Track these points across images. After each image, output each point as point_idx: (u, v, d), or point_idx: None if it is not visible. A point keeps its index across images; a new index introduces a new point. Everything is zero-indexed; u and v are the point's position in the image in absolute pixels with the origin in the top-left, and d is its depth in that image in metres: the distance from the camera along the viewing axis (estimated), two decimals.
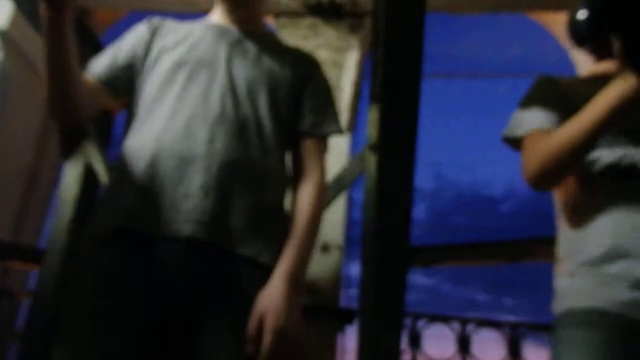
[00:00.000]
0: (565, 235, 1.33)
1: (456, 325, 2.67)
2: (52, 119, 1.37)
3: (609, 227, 1.22)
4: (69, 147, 1.48)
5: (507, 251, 1.79)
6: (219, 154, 1.23)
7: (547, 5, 2.37)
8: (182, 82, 1.31)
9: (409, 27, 0.90)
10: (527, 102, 1.38)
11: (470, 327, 2.67)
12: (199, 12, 2.71)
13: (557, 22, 3.16)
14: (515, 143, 1.39)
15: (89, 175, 2.49)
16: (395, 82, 0.99)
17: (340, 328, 2.34)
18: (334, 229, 2.34)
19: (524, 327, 2.70)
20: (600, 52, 1.39)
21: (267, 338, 1.10)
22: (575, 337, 1.18)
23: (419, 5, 0.87)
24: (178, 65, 1.34)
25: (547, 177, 1.26)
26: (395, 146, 1.06)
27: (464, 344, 2.67)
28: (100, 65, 1.39)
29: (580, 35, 1.39)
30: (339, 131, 1.45)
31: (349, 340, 2.51)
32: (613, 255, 1.19)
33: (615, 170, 1.25)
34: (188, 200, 1.18)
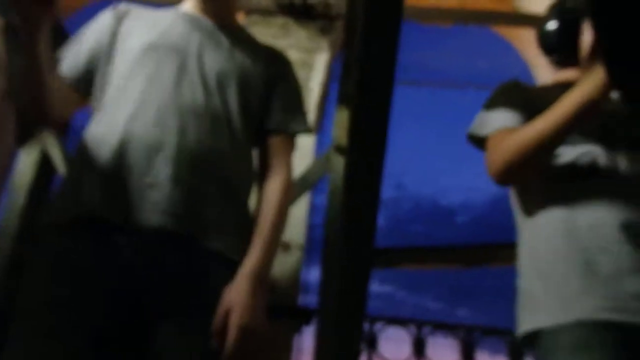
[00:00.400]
0: (527, 242, 1.35)
1: (412, 328, 2.71)
2: (21, 120, 1.32)
3: (564, 227, 1.24)
4: (26, 135, 1.43)
5: (469, 255, 1.83)
6: (190, 145, 1.21)
7: (513, 21, 2.45)
8: (152, 67, 1.28)
9: (387, 30, 0.92)
10: (493, 102, 1.40)
11: (425, 330, 2.72)
12: (168, 3, 2.68)
13: (520, 38, 3.27)
14: (480, 142, 1.40)
15: (44, 162, 2.43)
16: (369, 84, 1.00)
17: (298, 328, 2.34)
18: (296, 229, 2.35)
19: (479, 332, 2.76)
20: (566, 61, 1.44)
21: (232, 334, 1.09)
22: None
23: (397, 8, 0.89)
24: (148, 49, 1.31)
25: (512, 172, 1.26)
26: (366, 148, 1.07)
27: (419, 347, 2.71)
28: (68, 67, 1.36)
29: (550, 44, 1.44)
30: (308, 130, 1.45)
31: (306, 340, 2.51)
32: (589, 267, 1.18)
33: (574, 168, 1.28)
34: (156, 190, 1.15)
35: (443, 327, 2.74)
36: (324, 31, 2.62)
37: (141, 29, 1.37)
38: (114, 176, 1.17)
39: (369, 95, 1.03)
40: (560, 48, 1.43)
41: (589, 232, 1.20)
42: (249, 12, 2.58)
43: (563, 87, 1.32)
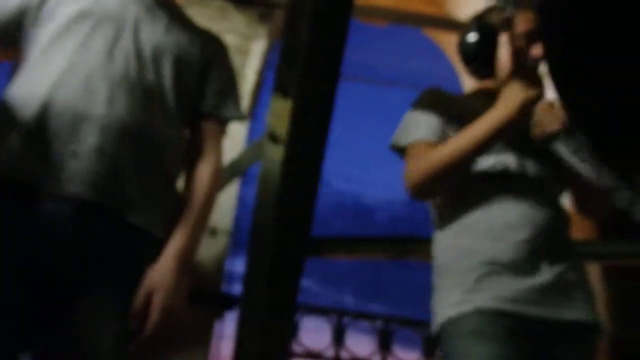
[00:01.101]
0: (440, 240, 1.44)
1: (333, 318, 2.77)
2: None
3: (474, 226, 1.33)
4: None
5: (398, 246, 1.90)
6: (118, 117, 1.17)
7: (445, 25, 2.57)
8: (84, 33, 1.23)
9: (336, 23, 0.94)
10: (415, 111, 1.47)
11: (346, 320, 2.79)
12: None
13: (450, 42, 3.41)
14: (401, 151, 1.48)
15: None
16: (315, 76, 1.02)
17: (220, 314, 2.32)
18: (224, 214, 2.33)
19: (396, 322, 2.87)
20: (483, 71, 1.53)
21: (154, 315, 1.08)
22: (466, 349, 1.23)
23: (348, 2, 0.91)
24: (81, 15, 1.25)
25: (426, 190, 1.35)
26: (308, 139, 1.09)
27: (339, 336, 2.77)
28: None
29: (468, 55, 1.52)
30: (241, 117, 1.44)
31: (227, 327, 2.50)
32: (490, 260, 1.26)
33: (488, 174, 1.38)
34: (79, 159, 1.11)
35: (362, 317, 2.82)
36: (262, 18, 2.62)
37: None
38: (36, 140, 1.11)
39: (315, 87, 1.05)
40: (477, 59, 1.51)
41: (498, 231, 1.30)
42: None
43: (482, 97, 1.42)
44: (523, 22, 1.44)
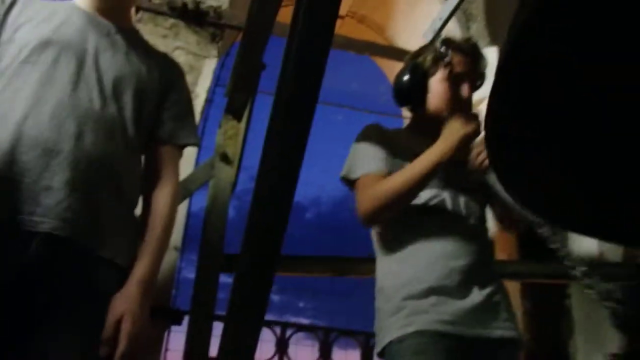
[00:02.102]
0: (383, 265, 1.58)
1: (277, 329, 2.87)
2: None
3: (415, 255, 1.46)
4: None
5: (339, 265, 2.03)
6: (86, 151, 1.19)
7: (390, 54, 2.71)
8: (47, 64, 1.24)
9: (318, 49, 1.03)
10: (361, 146, 1.60)
11: (289, 331, 2.90)
12: None
13: (392, 65, 3.58)
14: (351, 183, 1.61)
15: None
16: (294, 106, 1.11)
17: (168, 327, 2.38)
18: (174, 231, 2.38)
19: (336, 332, 3.00)
20: (418, 109, 1.69)
21: (123, 342, 1.12)
22: None
23: (328, 34, 1.00)
24: (43, 44, 1.26)
25: (377, 217, 1.47)
26: (280, 168, 1.17)
27: (282, 347, 2.88)
28: None
29: (403, 97, 1.68)
30: (196, 143, 1.46)
31: (174, 341, 2.55)
32: (429, 287, 1.39)
33: (426, 207, 1.53)
34: (51, 194, 1.14)
35: (304, 328, 2.94)
36: (214, 38, 2.68)
37: (35, 20, 1.30)
38: (6, 177, 1.12)
39: (293, 117, 1.12)
40: (411, 100, 1.64)
41: (435, 260, 1.44)
42: (138, 9, 2.55)
43: (417, 131, 1.60)
44: (457, 64, 1.60)
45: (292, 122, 1.08)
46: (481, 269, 1.46)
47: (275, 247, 1.19)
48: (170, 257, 2.36)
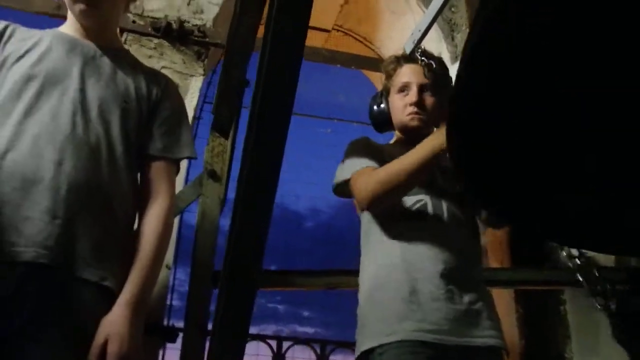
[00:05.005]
0: (365, 268, 1.58)
1: (273, 343, 2.87)
2: None
3: (396, 261, 1.47)
4: None
5: (330, 278, 2.04)
6: (67, 177, 1.20)
7: (374, 67, 2.73)
8: (30, 97, 1.25)
9: (287, 69, 1.04)
10: (349, 155, 1.64)
11: (285, 344, 2.89)
12: (32, 12, 2.57)
13: (379, 76, 3.60)
14: (342, 190, 1.62)
15: None
16: (268, 121, 1.12)
17: (162, 345, 2.37)
18: None
19: (332, 344, 2.99)
20: (393, 130, 1.74)
21: None
22: None
23: (298, 49, 1.01)
24: (27, 78, 1.27)
25: (378, 199, 1.48)
26: (259, 181, 1.18)
27: None
28: None
29: (376, 125, 1.75)
30: (192, 156, 1.47)
31: (169, 358, 2.53)
32: (409, 292, 1.41)
33: (409, 212, 1.54)
34: (31, 223, 1.14)
35: (301, 341, 2.93)
36: (199, 56, 2.70)
37: (17, 53, 1.32)
38: None
39: (264, 137, 1.13)
40: (386, 126, 1.74)
41: (416, 265, 1.46)
42: (123, 31, 2.57)
43: (400, 146, 1.64)
44: (403, 74, 1.67)
45: (266, 134, 1.09)
46: (463, 275, 1.47)
47: (255, 261, 1.19)
48: (162, 274, 2.36)
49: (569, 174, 0.67)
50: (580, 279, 1.23)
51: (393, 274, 1.45)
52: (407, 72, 1.67)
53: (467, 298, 1.44)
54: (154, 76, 1.51)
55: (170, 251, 2.42)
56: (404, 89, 1.65)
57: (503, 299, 2.35)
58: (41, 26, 1.46)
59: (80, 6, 1.36)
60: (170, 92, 1.51)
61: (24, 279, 1.12)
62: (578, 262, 1.45)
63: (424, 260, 1.45)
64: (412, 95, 1.62)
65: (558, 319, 2.29)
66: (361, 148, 1.65)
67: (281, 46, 0.99)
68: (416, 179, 1.47)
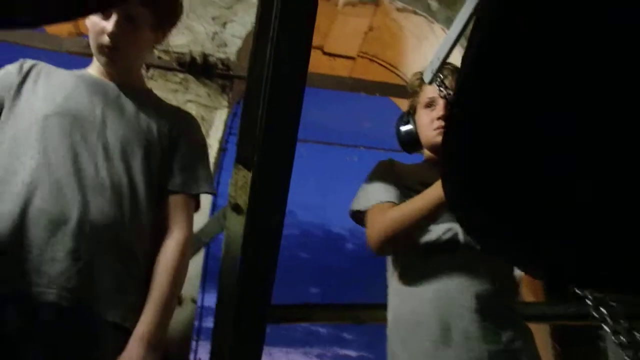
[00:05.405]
0: (393, 302, 1.52)
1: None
2: None
3: (427, 296, 1.41)
4: None
5: (351, 314, 1.98)
6: (92, 219, 1.21)
7: (398, 93, 2.71)
8: (53, 135, 1.27)
9: (290, 97, 1.03)
10: (371, 180, 1.60)
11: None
12: (62, 52, 2.65)
13: (406, 102, 3.56)
14: (359, 217, 1.58)
15: None
16: (271, 148, 1.11)
17: None
18: (189, 282, 2.38)
19: None
20: (421, 149, 1.69)
21: None
22: None
23: (300, 79, 1.00)
24: (50, 116, 1.30)
25: (386, 246, 1.45)
26: (266, 210, 1.16)
27: None
28: None
29: (404, 145, 1.70)
30: (211, 192, 1.47)
31: None
32: (440, 330, 1.34)
33: (438, 242, 1.47)
34: (56, 264, 1.15)
35: None
36: (224, 89, 2.72)
37: (44, 92, 1.35)
38: (14, 249, 1.15)
39: (270, 160, 1.12)
40: (411, 145, 1.68)
41: (448, 300, 1.39)
42: (148, 66, 2.62)
43: (428, 165, 1.60)
44: (428, 91, 1.61)
45: (273, 163, 1.08)
46: (500, 310, 1.38)
47: (264, 297, 1.17)
48: (187, 309, 2.35)
49: (568, 216, 0.63)
50: (596, 315, 1.15)
51: (423, 311, 1.38)
52: (433, 88, 1.61)
53: (504, 336, 1.33)
54: (176, 113, 1.53)
55: (196, 284, 2.42)
56: (430, 104, 1.59)
57: (538, 334, 2.24)
58: (72, 65, 1.51)
59: (103, 58, 1.41)
60: (190, 128, 1.53)
61: (45, 319, 1.13)
62: (593, 296, 1.35)
63: (456, 294, 1.37)
64: (439, 110, 1.57)
65: (597, 356, 2.17)
66: (383, 174, 1.60)
67: (281, 91, 0.98)
68: (430, 219, 1.42)
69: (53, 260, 1.16)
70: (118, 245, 1.27)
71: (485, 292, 1.39)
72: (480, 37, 0.52)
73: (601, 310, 1.18)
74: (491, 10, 0.50)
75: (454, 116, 0.57)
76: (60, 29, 2.76)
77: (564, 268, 0.65)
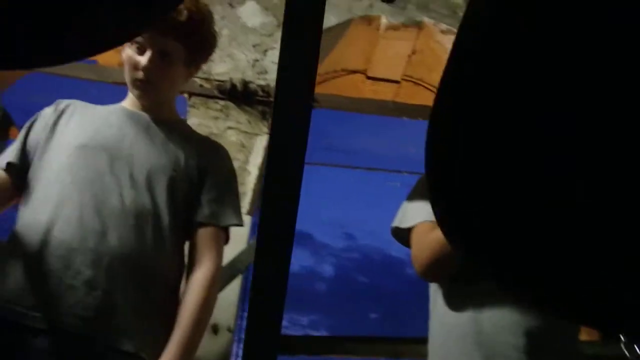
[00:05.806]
0: (434, 335, 1.42)
1: None
2: None
3: (470, 331, 1.31)
4: None
5: (384, 349, 1.89)
6: (110, 248, 1.22)
7: None
8: (79, 168, 1.30)
9: (296, 115, 0.99)
10: (413, 197, 1.50)
11: None
12: (109, 83, 2.74)
13: None
14: (402, 236, 1.48)
15: None
16: (277, 170, 1.07)
17: None
18: (225, 311, 2.36)
19: None
20: None
21: None
22: None
23: (307, 106, 0.96)
24: (78, 150, 1.33)
25: (435, 271, 1.35)
26: (273, 239, 1.12)
27: None
28: (11, 166, 1.38)
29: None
30: (238, 224, 1.46)
31: None
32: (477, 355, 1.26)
33: (477, 273, 1.36)
34: (73, 292, 1.17)
35: None
36: (264, 115, 2.73)
37: (76, 127, 1.39)
38: (35, 275, 1.19)
39: (276, 182, 1.09)
40: None
41: (492, 336, 1.26)
42: (190, 95, 2.66)
43: None
44: None
45: (282, 185, 1.05)
46: (551, 350, 1.25)
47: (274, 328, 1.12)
48: (222, 338, 2.33)
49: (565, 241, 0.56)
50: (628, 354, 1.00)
51: (464, 348, 1.28)
52: None
53: None
54: (206, 144, 1.54)
55: (232, 312, 2.40)
56: None
57: None
58: (119, 95, 1.55)
59: (137, 92, 1.44)
60: (220, 159, 1.53)
61: (61, 348, 1.15)
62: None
63: (502, 331, 1.25)
64: None
65: None
66: (425, 191, 1.51)
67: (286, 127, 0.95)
68: None
69: (71, 287, 1.18)
70: (138, 274, 1.27)
71: (534, 328, 1.25)
72: (480, 37, 0.51)
73: None
74: (489, 9, 0.49)
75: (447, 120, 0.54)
76: (111, 60, 2.86)
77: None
